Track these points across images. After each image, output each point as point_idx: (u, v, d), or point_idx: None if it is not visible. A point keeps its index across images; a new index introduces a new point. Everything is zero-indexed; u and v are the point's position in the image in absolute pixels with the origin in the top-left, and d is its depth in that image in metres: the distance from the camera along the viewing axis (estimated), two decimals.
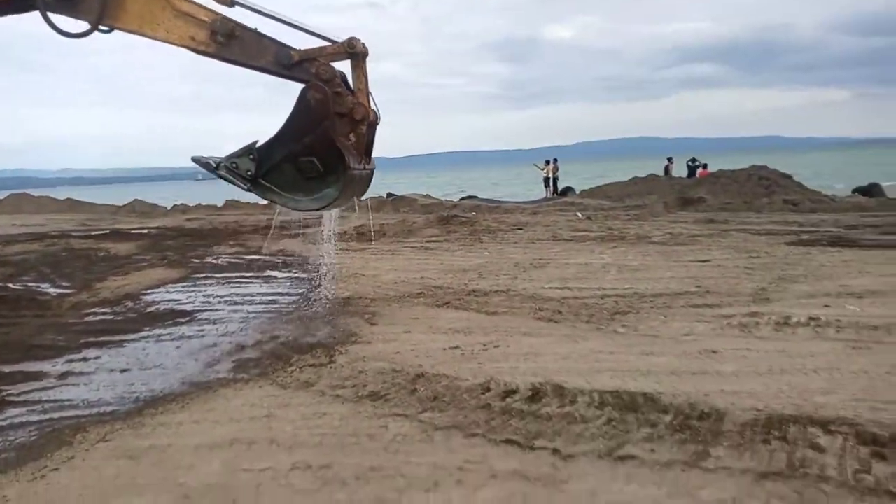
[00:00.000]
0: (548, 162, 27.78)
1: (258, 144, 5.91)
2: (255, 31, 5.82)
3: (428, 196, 23.30)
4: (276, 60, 5.82)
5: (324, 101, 5.58)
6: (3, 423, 4.43)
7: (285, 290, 8.74)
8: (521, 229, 13.22)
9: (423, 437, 3.86)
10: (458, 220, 14.82)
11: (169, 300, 8.31)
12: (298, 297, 8.28)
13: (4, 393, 5.06)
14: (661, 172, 26.52)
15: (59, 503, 3.29)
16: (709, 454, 3.46)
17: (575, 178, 35.67)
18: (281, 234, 15.29)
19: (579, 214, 15.46)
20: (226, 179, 6.22)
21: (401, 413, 4.23)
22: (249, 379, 5.07)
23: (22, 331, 6.99)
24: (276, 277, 9.76)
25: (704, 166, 26.18)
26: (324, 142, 5.54)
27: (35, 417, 4.50)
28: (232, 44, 5.79)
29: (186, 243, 13.97)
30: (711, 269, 8.68)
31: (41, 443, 4.02)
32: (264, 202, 23.87)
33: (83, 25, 5.58)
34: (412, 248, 11.94)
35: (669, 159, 28.36)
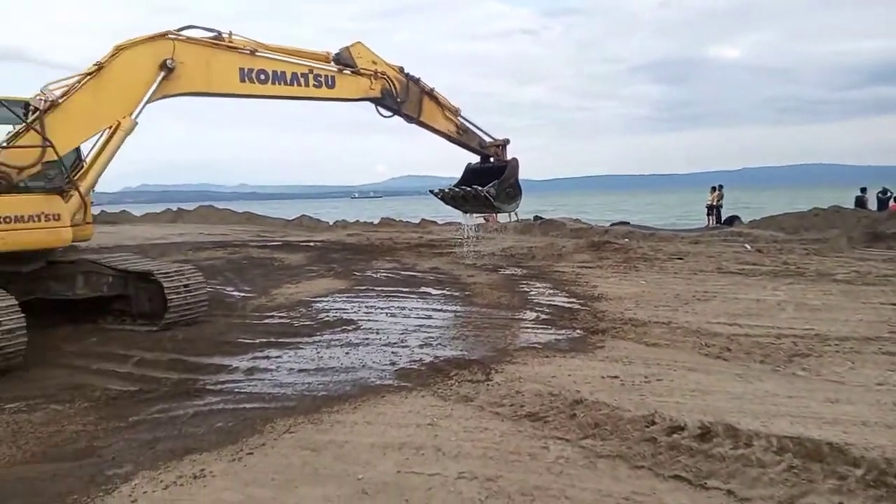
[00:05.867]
0: (713, 189, 26.11)
1: (500, 182, 12.43)
2: (470, 128, 12.93)
3: (577, 220, 22.91)
4: (479, 144, 13.09)
5: (516, 165, 12.75)
6: (204, 409, 5.05)
7: (439, 306, 9.07)
8: (680, 259, 12.57)
9: (586, 462, 3.83)
10: (611, 246, 14.44)
11: (336, 308, 8.96)
12: (451, 313, 8.55)
13: (202, 382, 5.76)
14: (845, 204, 23.73)
15: (255, 484, 3.68)
16: None
17: (741, 206, 33.30)
18: (433, 252, 15.90)
19: (748, 246, 14.34)
20: (478, 199, 12.81)
21: (561, 437, 4.23)
22: (412, 388, 5.33)
23: (213, 328, 7.88)
24: (430, 294, 10.16)
25: None
26: (515, 181, 12.68)
27: (230, 406, 5.08)
28: (463, 135, 12.80)
29: (348, 256, 14.96)
30: None
31: (237, 429, 4.53)
32: (416, 222, 25.36)
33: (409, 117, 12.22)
34: (561, 272, 11.83)
35: (863, 189, 25.27)
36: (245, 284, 11.10)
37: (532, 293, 9.79)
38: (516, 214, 27.62)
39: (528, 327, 7.55)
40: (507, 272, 12.10)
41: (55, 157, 7.27)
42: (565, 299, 9.20)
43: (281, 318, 8.45)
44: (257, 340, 7.22)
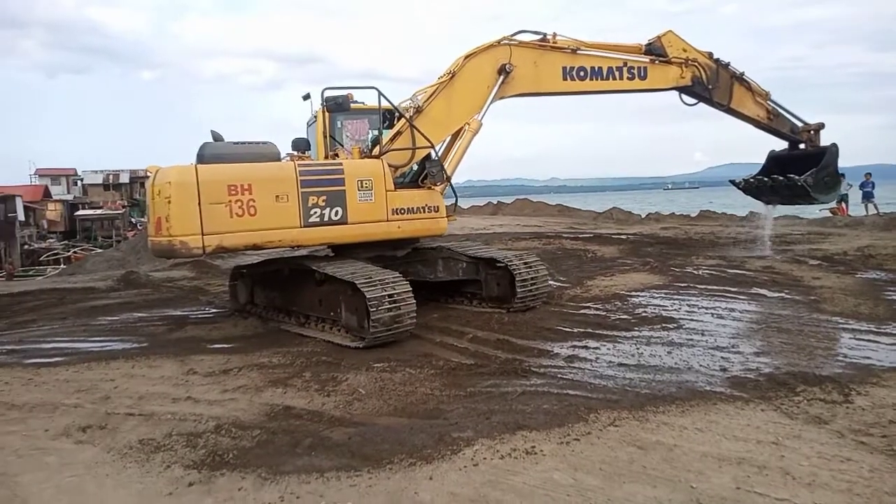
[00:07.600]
0: None
1: (818, 170, 11.80)
2: (781, 113, 12.22)
3: None
4: (790, 130, 12.36)
5: (836, 151, 11.85)
6: (530, 389, 5.32)
7: (777, 311, 7.99)
8: None
9: None
10: None
11: (654, 304, 8.61)
12: (794, 320, 7.45)
13: (527, 364, 6.08)
14: None
15: (583, 471, 3.73)
16: None
17: None
18: (761, 250, 14.16)
19: None
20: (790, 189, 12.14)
21: None
22: (749, 399, 4.80)
23: (534, 314, 8.27)
24: (764, 296, 9.05)
25: None
26: (835, 169, 11.92)
27: (554, 390, 5.25)
28: (773, 120, 12.17)
29: (664, 251, 14.27)
30: None
31: (562, 413, 4.65)
32: (742, 215, 23.11)
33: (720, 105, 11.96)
34: None
35: None
36: (560, 274, 11.42)
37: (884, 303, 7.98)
38: (875, 207, 22.97)
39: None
40: (866, 276, 10.12)
41: (417, 158, 8.48)
42: None
43: (596, 309, 8.46)
44: (575, 330, 7.36)
